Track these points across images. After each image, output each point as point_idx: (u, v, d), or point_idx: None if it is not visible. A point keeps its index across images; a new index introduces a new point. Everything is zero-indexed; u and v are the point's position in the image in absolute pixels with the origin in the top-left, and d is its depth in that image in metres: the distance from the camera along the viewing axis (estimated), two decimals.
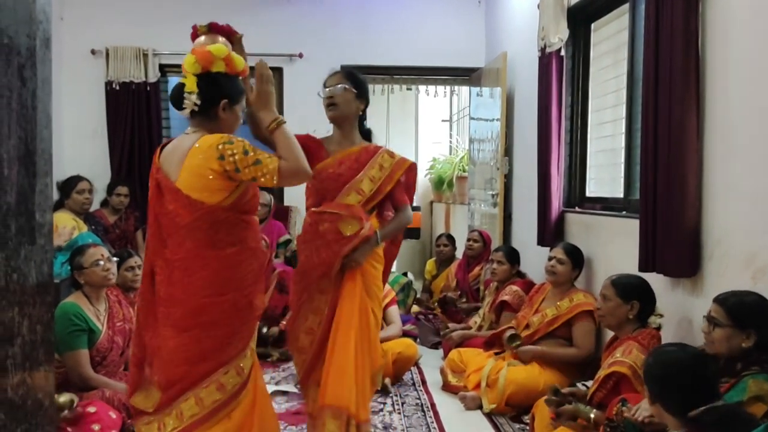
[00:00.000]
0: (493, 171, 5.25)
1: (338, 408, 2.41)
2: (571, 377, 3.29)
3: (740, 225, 2.43)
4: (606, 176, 3.96)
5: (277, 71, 5.74)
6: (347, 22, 5.87)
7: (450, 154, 8.25)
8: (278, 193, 5.83)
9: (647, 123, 2.83)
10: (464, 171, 6.93)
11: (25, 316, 0.94)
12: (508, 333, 3.57)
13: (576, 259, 3.54)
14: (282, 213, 5.63)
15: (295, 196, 5.43)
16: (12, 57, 0.92)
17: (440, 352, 4.43)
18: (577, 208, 4.04)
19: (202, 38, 2.16)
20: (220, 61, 2.06)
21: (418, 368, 4.11)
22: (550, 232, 4.07)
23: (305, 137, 2.66)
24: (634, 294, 2.69)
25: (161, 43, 5.52)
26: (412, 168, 2.76)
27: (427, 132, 9.20)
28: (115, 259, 3.11)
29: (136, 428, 2.15)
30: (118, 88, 5.54)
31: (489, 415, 3.33)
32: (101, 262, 2.98)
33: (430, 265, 5.80)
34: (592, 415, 2.50)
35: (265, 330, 4.30)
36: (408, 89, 6.81)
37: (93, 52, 5.60)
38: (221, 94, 2.09)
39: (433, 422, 3.25)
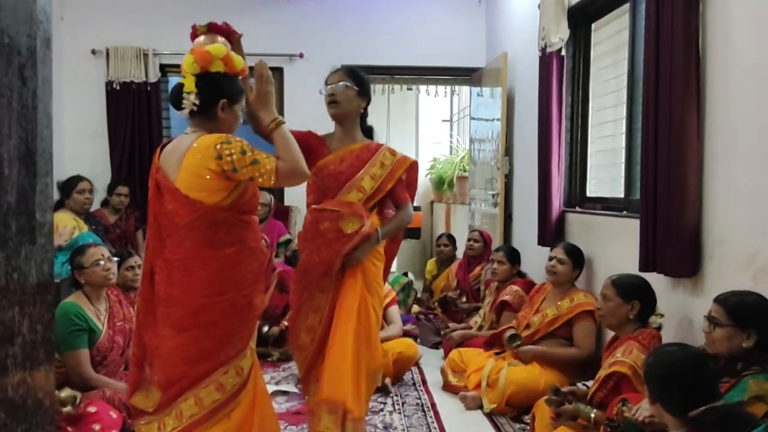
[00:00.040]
0: (493, 171, 5.25)
1: (334, 402, 2.41)
2: (571, 377, 3.29)
3: (741, 225, 2.43)
4: (606, 176, 3.96)
5: (278, 71, 5.74)
6: (348, 22, 5.87)
7: (450, 154, 8.25)
8: (278, 193, 5.83)
9: (648, 123, 2.83)
10: (465, 171, 6.93)
11: (25, 316, 0.94)
12: (508, 333, 3.57)
13: (576, 259, 3.54)
14: (282, 213, 5.63)
15: (296, 196, 5.43)
16: (12, 57, 0.92)
17: (441, 352, 4.43)
18: (577, 208, 4.04)
19: (202, 38, 2.16)
20: (218, 60, 2.07)
21: (419, 368, 4.11)
22: (551, 232, 4.07)
23: (307, 134, 2.67)
24: (634, 294, 2.69)
25: (162, 43, 5.53)
26: (413, 166, 2.76)
27: (427, 132, 9.20)
28: (115, 258, 3.11)
29: (136, 428, 2.15)
30: (118, 88, 5.54)
31: (489, 415, 3.33)
32: (102, 262, 2.98)
33: (431, 265, 5.80)
34: (592, 415, 2.50)
35: (265, 330, 4.30)
36: (408, 89, 6.81)
37: (93, 52, 5.60)
38: (220, 93, 2.09)
39: (433, 422, 3.25)
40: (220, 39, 2.16)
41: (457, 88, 7.07)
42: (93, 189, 4.78)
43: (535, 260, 4.31)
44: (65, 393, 2.49)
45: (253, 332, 2.19)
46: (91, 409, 2.62)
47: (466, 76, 6.03)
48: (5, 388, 0.91)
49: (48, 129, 0.99)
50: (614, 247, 3.42)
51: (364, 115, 2.73)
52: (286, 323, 4.26)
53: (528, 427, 3.07)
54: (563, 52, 4.00)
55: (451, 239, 5.68)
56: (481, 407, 3.40)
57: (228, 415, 2.07)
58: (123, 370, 3.06)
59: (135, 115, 5.56)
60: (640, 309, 2.68)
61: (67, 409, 2.47)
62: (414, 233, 8.16)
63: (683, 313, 2.76)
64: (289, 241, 5.05)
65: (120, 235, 5.07)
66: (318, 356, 2.57)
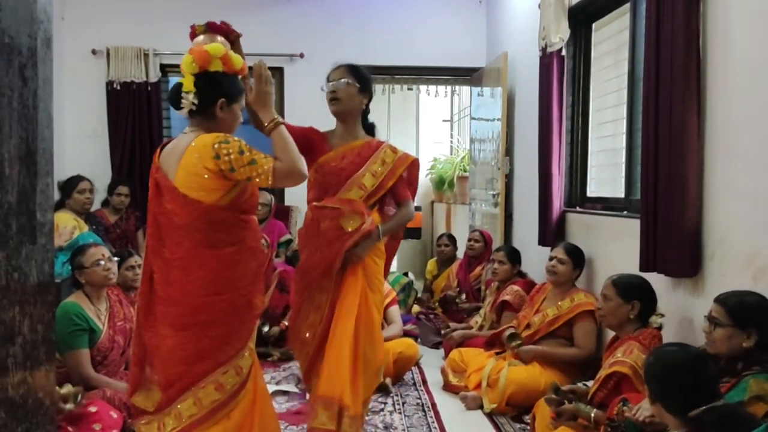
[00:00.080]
0: (494, 171, 5.25)
1: (330, 398, 2.41)
2: (572, 377, 3.29)
3: (741, 225, 2.43)
4: (607, 176, 3.96)
5: (278, 71, 5.75)
6: (348, 21, 5.87)
7: (451, 154, 8.25)
8: (279, 193, 5.83)
9: (648, 123, 2.83)
10: (465, 171, 6.93)
11: (26, 315, 0.94)
12: (507, 332, 3.57)
13: (577, 259, 3.53)
14: (283, 212, 5.63)
15: (296, 196, 5.43)
16: (13, 57, 0.92)
17: (441, 351, 4.43)
18: (578, 208, 4.04)
19: (201, 37, 2.16)
20: (217, 60, 2.07)
21: (419, 368, 4.11)
22: (551, 232, 4.07)
23: (309, 130, 2.66)
24: (635, 294, 2.69)
25: (162, 43, 5.52)
26: (414, 164, 2.75)
27: (428, 132, 9.21)
28: (115, 258, 3.12)
29: (136, 428, 2.15)
30: (119, 88, 5.54)
31: (490, 415, 3.33)
32: (102, 262, 2.98)
33: (431, 265, 5.80)
34: (592, 415, 2.50)
35: (266, 330, 4.30)
36: (409, 89, 6.81)
37: (94, 51, 5.60)
38: (218, 93, 2.09)
39: (433, 422, 3.25)
40: (219, 38, 2.16)
41: (457, 88, 7.07)
42: (93, 189, 4.79)
43: (536, 260, 4.31)
44: (66, 389, 2.49)
45: (252, 332, 2.19)
46: (92, 408, 2.62)
47: (467, 76, 6.03)
48: (6, 387, 0.91)
49: (48, 129, 0.99)
50: (615, 247, 3.42)
51: (365, 112, 2.72)
52: (286, 323, 4.26)
53: (528, 427, 3.07)
54: (564, 52, 4.00)
55: (452, 239, 5.68)
56: (481, 407, 3.40)
57: (227, 414, 2.07)
58: (123, 369, 3.06)
59: (135, 115, 5.56)
60: (640, 309, 2.68)
61: (69, 405, 2.46)
62: (414, 233, 8.16)
63: (684, 313, 2.76)
64: (289, 241, 5.05)
65: (120, 235, 5.07)
66: (319, 352, 2.56)
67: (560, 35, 3.95)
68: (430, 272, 5.75)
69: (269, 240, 4.58)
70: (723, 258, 2.53)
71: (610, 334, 2.91)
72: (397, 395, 3.64)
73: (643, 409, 2.08)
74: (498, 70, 5.07)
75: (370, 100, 2.70)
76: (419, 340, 4.63)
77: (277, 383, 3.82)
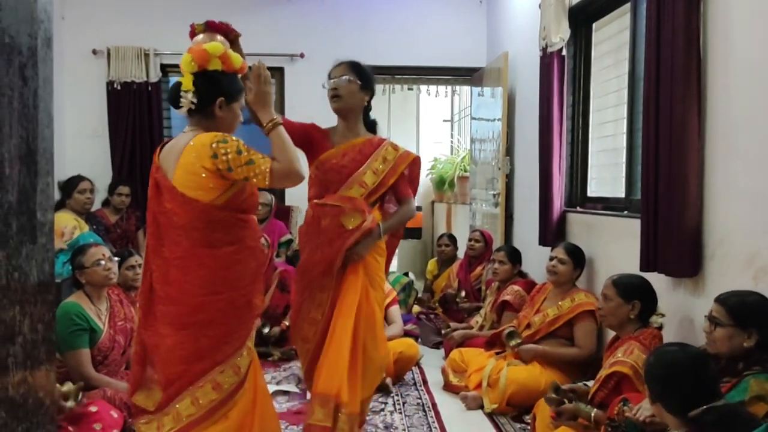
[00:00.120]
0: (494, 171, 5.25)
1: (326, 395, 2.40)
2: (572, 377, 3.29)
3: (741, 225, 2.43)
4: (607, 176, 3.96)
5: (279, 71, 5.75)
6: (348, 21, 5.87)
7: (451, 154, 8.25)
8: (280, 193, 5.83)
9: (648, 122, 2.83)
10: (465, 171, 6.93)
11: (26, 315, 0.94)
12: (506, 330, 3.57)
13: (577, 258, 3.53)
14: (283, 212, 5.63)
15: (297, 196, 5.43)
16: (13, 56, 0.92)
17: (441, 351, 4.43)
18: (578, 208, 4.04)
19: (200, 36, 2.16)
20: (216, 59, 2.07)
21: (420, 368, 4.11)
22: (552, 231, 4.07)
23: (311, 126, 2.66)
24: (635, 294, 2.69)
25: (162, 42, 5.53)
26: (416, 162, 2.75)
27: (428, 132, 9.21)
28: (116, 258, 3.12)
29: (136, 427, 2.15)
30: (119, 87, 5.55)
31: (490, 415, 3.33)
32: (102, 262, 2.98)
33: (432, 264, 5.80)
34: (592, 414, 2.50)
35: (266, 329, 4.30)
36: (409, 89, 6.81)
37: (94, 51, 5.61)
38: (217, 92, 2.09)
39: (434, 422, 3.25)
40: (219, 37, 2.17)
41: (457, 88, 7.07)
42: (94, 189, 4.79)
43: (536, 260, 4.31)
44: (67, 387, 2.49)
45: (251, 331, 2.19)
46: (92, 408, 2.62)
47: (467, 76, 6.03)
48: (6, 387, 0.91)
49: (49, 128, 0.99)
50: (615, 247, 3.42)
51: (367, 110, 2.72)
52: (287, 323, 4.26)
53: (529, 427, 3.07)
54: (564, 52, 4.00)
55: (452, 239, 5.68)
56: (481, 407, 3.40)
57: (226, 414, 2.07)
58: (124, 369, 3.07)
59: (136, 114, 5.56)
60: (641, 309, 2.68)
61: (70, 403, 2.46)
62: (415, 233, 8.16)
63: (684, 312, 2.76)
64: (290, 241, 5.05)
65: (121, 235, 5.08)
66: (320, 349, 2.56)
67: (561, 35, 3.95)
68: (430, 272, 5.75)
69: (270, 240, 4.58)
70: (723, 258, 2.52)
71: (611, 334, 2.90)
72: (397, 395, 3.64)
73: (644, 409, 2.08)
74: (498, 70, 5.07)
75: (371, 97, 2.69)
76: (420, 340, 4.63)
77: (278, 383, 3.82)
